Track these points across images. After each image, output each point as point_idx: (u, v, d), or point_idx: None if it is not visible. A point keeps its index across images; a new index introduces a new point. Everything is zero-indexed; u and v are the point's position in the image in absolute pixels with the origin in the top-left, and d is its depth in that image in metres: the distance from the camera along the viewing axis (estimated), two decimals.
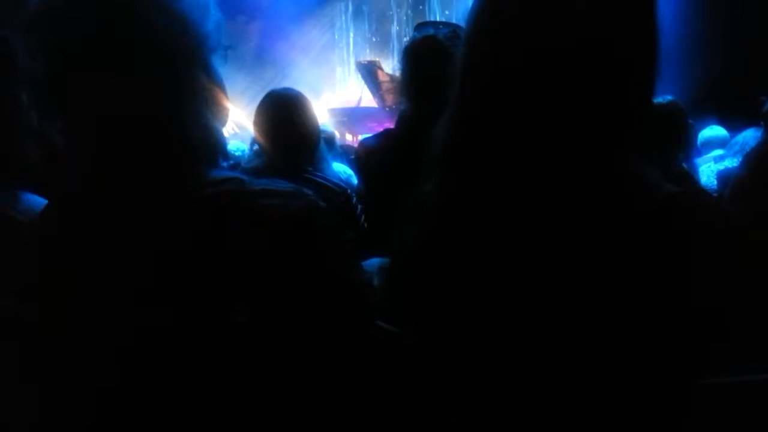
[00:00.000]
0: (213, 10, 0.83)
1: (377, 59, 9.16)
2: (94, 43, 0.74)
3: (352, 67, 10.08)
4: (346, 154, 3.80)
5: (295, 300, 0.77)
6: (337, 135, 7.13)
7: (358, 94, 9.14)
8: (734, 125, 3.96)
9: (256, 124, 2.03)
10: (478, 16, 0.80)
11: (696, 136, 4.36)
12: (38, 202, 1.24)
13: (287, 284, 0.77)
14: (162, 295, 0.76)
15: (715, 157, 3.90)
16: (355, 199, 2.06)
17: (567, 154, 0.75)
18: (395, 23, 11.37)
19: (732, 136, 3.97)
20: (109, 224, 0.79)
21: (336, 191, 2.00)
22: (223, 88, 0.88)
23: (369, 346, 0.83)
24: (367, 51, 11.18)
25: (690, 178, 2.47)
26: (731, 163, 3.56)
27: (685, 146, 2.54)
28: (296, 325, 0.77)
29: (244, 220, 0.77)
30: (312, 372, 0.78)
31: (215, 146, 0.86)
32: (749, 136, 3.61)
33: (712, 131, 4.32)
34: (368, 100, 8.67)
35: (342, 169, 2.84)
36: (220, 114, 0.87)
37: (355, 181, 2.57)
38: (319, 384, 0.79)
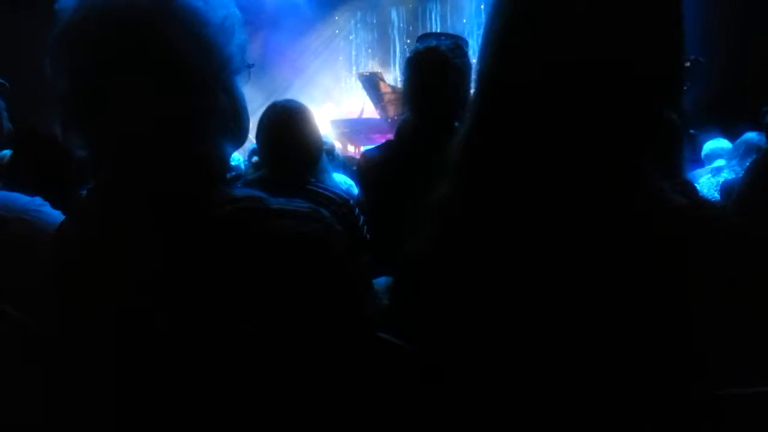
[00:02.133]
0: (238, 32, 0.84)
1: (379, 71, 9.21)
2: (118, 65, 0.75)
3: (355, 78, 10.13)
4: (348, 165, 3.80)
5: (303, 323, 0.77)
6: (339, 146, 7.17)
7: (360, 105, 9.18)
8: (737, 136, 3.96)
9: (258, 135, 2.03)
10: (497, 26, 0.80)
11: (699, 147, 4.37)
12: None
13: (297, 306, 0.77)
14: (173, 309, 0.76)
15: (713, 169, 3.91)
16: (357, 210, 2.06)
17: (583, 166, 0.75)
18: (397, 35, 11.44)
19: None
20: (125, 238, 0.79)
21: (338, 202, 2.00)
22: (243, 110, 0.88)
23: (374, 369, 0.83)
24: (369, 62, 11.24)
25: (694, 190, 2.47)
26: (729, 174, 3.56)
27: (683, 157, 2.55)
28: (303, 347, 0.77)
29: (259, 239, 0.77)
30: (317, 396, 0.78)
31: (229, 165, 0.87)
32: (749, 140, 3.62)
33: (717, 143, 4.33)
34: (370, 112, 8.72)
35: (342, 180, 2.84)
36: (238, 135, 0.88)
37: (355, 191, 2.57)
38: (323, 410, 0.78)
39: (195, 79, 0.78)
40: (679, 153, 2.39)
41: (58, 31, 0.77)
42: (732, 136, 4.27)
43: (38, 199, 1.25)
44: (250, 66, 0.89)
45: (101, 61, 0.75)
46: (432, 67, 1.86)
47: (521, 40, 0.76)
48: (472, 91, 1.97)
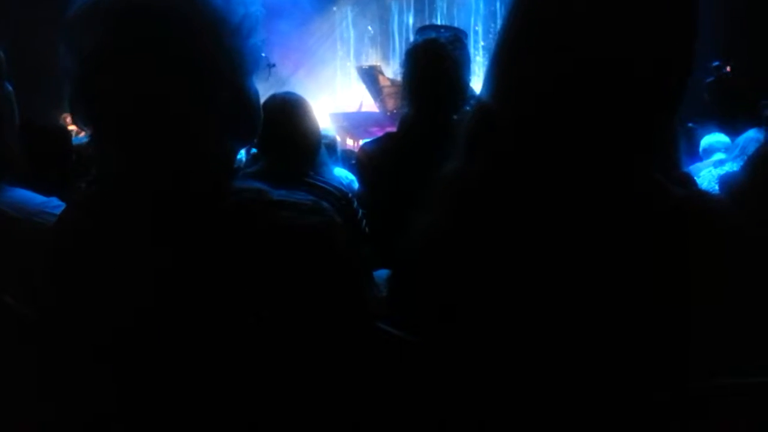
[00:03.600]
0: (256, 32, 0.83)
1: (378, 64, 9.19)
2: (130, 56, 0.75)
3: (354, 71, 10.12)
4: (347, 159, 3.80)
5: (304, 313, 0.77)
6: (339, 139, 7.16)
7: (359, 98, 9.16)
8: (735, 130, 3.97)
9: None
10: (520, 17, 0.81)
11: (698, 142, 4.38)
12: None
13: (298, 298, 0.77)
14: (175, 301, 0.76)
15: (715, 161, 3.91)
16: (356, 203, 2.06)
17: (591, 156, 0.76)
18: (397, 27, 11.42)
19: (733, 141, 3.98)
20: (126, 230, 0.79)
21: (337, 196, 2.00)
22: (255, 109, 0.88)
23: (374, 362, 0.83)
24: (369, 55, 11.22)
25: (692, 183, 2.47)
26: (731, 167, 3.57)
27: (680, 150, 2.56)
28: (303, 338, 0.77)
29: (261, 231, 0.77)
30: (317, 387, 0.78)
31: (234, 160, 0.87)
32: (750, 137, 3.62)
33: (714, 138, 4.33)
34: (369, 105, 8.70)
35: (344, 174, 2.84)
36: (248, 134, 0.88)
37: (356, 185, 2.57)
38: (323, 401, 0.79)
39: (208, 76, 0.78)
40: (676, 146, 2.39)
41: (74, 14, 0.77)
42: (729, 129, 4.27)
43: (54, 200, 1.25)
44: (271, 65, 0.88)
45: (113, 49, 0.75)
46: (431, 59, 1.86)
47: (541, 31, 0.77)
48: (471, 82, 1.97)
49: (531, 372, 0.75)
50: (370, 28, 11.48)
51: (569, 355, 0.74)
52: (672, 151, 2.32)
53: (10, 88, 1.24)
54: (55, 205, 1.23)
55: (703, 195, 0.94)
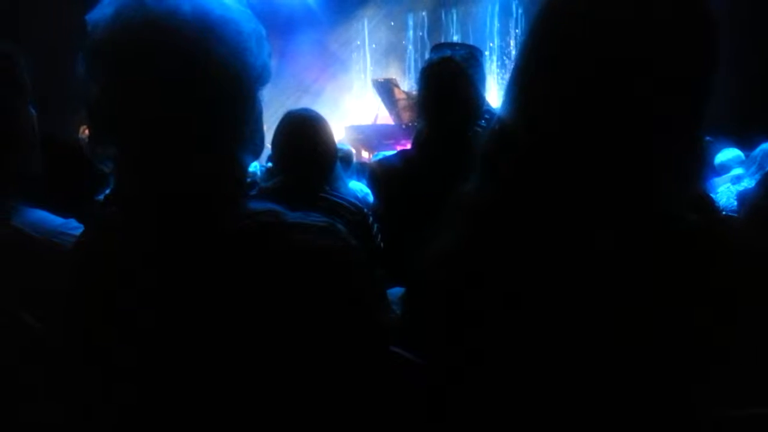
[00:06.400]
0: (265, 48, 0.84)
1: (393, 77, 9.24)
2: (141, 81, 0.76)
3: (369, 84, 10.19)
4: (362, 171, 3.81)
5: (318, 337, 0.77)
6: (353, 152, 7.19)
7: (374, 111, 9.21)
8: (750, 142, 3.93)
9: (274, 144, 2.05)
10: (542, 35, 0.81)
11: (713, 155, 4.34)
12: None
13: (312, 320, 0.77)
14: (193, 323, 0.77)
15: (733, 177, 3.87)
16: (371, 218, 2.06)
17: (611, 179, 0.76)
18: (413, 41, 11.48)
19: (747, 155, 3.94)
20: (145, 252, 0.80)
21: (352, 210, 2.00)
22: (262, 122, 0.89)
23: (388, 385, 0.83)
24: (385, 68, 11.28)
25: (710, 202, 2.45)
26: (749, 183, 3.53)
27: (703, 169, 2.53)
28: (316, 361, 0.77)
29: (276, 253, 0.78)
30: (330, 414, 0.78)
31: (248, 178, 0.88)
32: (766, 150, 3.59)
33: (729, 153, 4.29)
34: (385, 118, 8.74)
35: (359, 188, 2.84)
36: (259, 147, 0.89)
37: (371, 199, 2.58)
38: (336, 425, 0.79)
39: (224, 97, 0.79)
40: (698, 163, 2.37)
41: (97, 40, 0.77)
42: (744, 143, 4.23)
43: (72, 222, 1.26)
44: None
45: (128, 74, 0.76)
46: (446, 77, 1.87)
47: (569, 46, 0.77)
48: (486, 99, 1.98)
49: (547, 396, 0.75)
50: (386, 40, 11.55)
51: (582, 378, 0.74)
52: (694, 169, 2.30)
53: (34, 112, 1.25)
54: (73, 226, 1.25)
55: (719, 221, 0.94)
